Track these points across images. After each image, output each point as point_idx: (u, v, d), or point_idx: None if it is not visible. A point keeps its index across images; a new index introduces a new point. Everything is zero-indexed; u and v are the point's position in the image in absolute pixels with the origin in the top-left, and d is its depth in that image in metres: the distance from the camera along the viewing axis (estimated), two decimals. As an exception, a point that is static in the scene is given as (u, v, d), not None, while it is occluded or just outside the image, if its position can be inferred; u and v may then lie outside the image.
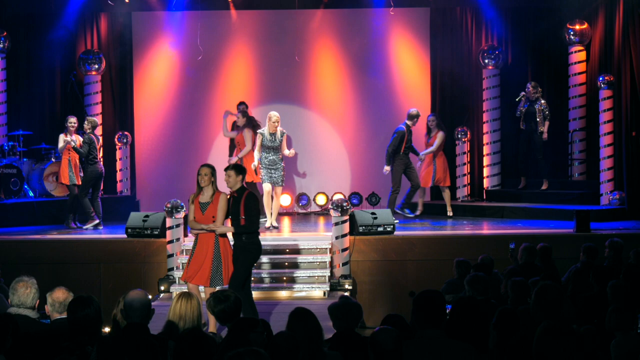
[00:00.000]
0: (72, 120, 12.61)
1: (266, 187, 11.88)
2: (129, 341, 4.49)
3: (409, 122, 12.88)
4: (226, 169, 8.44)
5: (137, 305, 5.20)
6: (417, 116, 12.93)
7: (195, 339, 4.93)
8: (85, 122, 12.61)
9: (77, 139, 12.60)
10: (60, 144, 12.54)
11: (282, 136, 11.78)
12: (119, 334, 5.22)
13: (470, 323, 5.10)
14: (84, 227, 12.46)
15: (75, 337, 4.97)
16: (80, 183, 12.52)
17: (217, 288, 8.21)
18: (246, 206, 8.25)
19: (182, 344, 4.84)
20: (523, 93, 13.92)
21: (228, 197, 8.40)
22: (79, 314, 5.04)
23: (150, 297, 5.45)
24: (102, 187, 12.82)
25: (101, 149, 13.32)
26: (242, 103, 13.77)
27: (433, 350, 4.65)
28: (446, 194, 13.83)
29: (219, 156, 14.34)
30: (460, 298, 5.45)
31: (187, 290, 6.67)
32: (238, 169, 8.40)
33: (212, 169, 8.48)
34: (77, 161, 12.55)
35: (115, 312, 5.81)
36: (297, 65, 15.03)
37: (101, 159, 12.87)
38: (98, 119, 14.95)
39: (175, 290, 10.42)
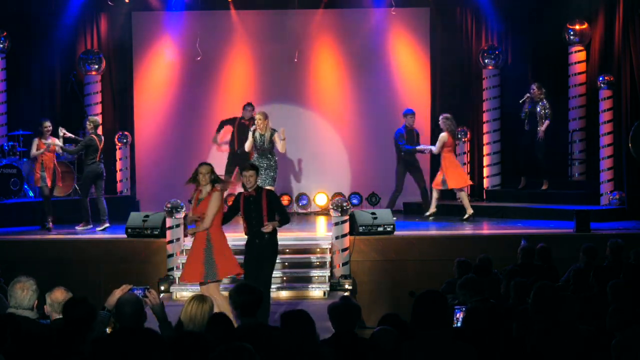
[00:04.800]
0: (47, 125, 12.53)
1: None
2: (123, 343, 4.49)
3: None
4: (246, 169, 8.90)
5: (128, 310, 5.19)
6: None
7: (194, 339, 4.92)
8: (87, 122, 12.57)
9: (53, 142, 12.55)
10: (34, 149, 12.42)
11: (271, 136, 11.33)
12: (113, 336, 5.22)
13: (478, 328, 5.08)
14: (98, 229, 12.30)
15: (64, 337, 5.00)
16: (51, 185, 12.46)
17: (209, 281, 8.50)
18: (276, 202, 8.97)
19: (180, 343, 4.83)
20: (528, 95, 13.87)
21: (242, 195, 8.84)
22: (69, 315, 5.09)
23: (140, 293, 5.45)
24: (103, 187, 12.68)
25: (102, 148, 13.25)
26: (249, 104, 13.86)
27: (434, 351, 4.64)
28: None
29: (219, 155, 14.33)
30: (474, 308, 5.41)
31: (201, 293, 6.71)
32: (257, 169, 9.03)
33: (212, 167, 8.71)
34: (51, 163, 12.48)
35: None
36: (297, 65, 15.01)
37: (101, 159, 12.73)
38: (98, 119, 14.97)
39: (175, 290, 10.44)
